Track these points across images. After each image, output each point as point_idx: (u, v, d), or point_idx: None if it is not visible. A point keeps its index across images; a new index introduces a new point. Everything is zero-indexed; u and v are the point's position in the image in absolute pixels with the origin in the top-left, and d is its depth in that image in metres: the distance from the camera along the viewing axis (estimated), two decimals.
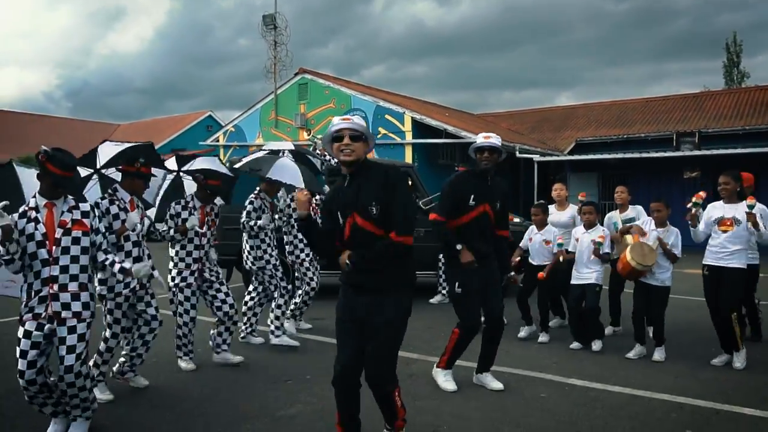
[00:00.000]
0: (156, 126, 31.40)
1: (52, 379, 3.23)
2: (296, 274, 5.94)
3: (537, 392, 4.15)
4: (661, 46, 73.22)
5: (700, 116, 19.09)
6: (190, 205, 4.61)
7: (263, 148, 6.09)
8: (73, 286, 3.17)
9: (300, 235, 5.69)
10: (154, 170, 4.22)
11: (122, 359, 4.13)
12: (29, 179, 3.50)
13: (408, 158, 16.31)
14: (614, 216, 5.89)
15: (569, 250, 5.55)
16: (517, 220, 8.18)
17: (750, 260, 4.88)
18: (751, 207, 4.46)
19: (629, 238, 5.04)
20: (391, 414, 2.98)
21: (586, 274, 5.28)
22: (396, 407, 2.96)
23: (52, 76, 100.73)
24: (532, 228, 5.88)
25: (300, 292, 5.86)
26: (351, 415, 2.94)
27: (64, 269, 3.15)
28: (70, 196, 3.28)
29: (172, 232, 4.52)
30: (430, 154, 16.77)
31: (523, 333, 5.70)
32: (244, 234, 5.26)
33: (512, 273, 4.52)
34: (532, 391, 4.17)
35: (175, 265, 4.62)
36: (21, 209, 3.15)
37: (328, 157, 6.31)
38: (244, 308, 5.48)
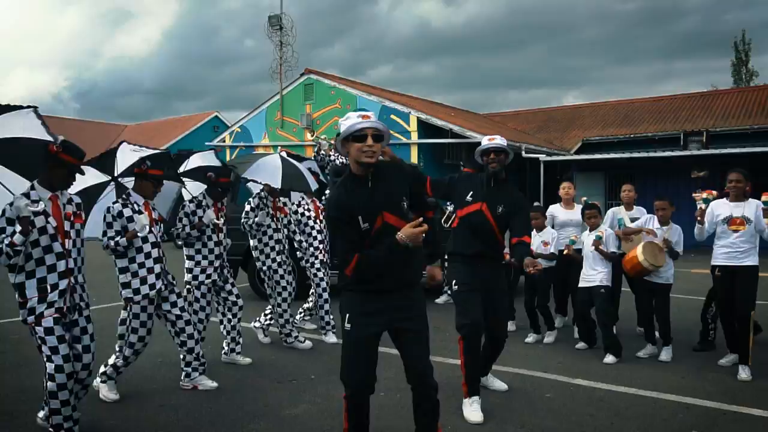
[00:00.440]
0: (163, 127, 31.55)
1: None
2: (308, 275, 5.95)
3: (542, 392, 4.13)
4: (668, 44, 72.94)
5: (708, 115, 18.97)
6: (204, 203, 4.68)
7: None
8: (80, 278, 3.26)
9: (311, 239, 5.68)
10: (170, 183, 4.26)
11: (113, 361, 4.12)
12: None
13: (413, 158, 16.30)
14: (619, 212, 5.82)
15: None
16: None
17: None
18: (767, 203, 4.40)
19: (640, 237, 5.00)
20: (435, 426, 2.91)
21: (592, 275, 5.25)
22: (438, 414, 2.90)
23: (60, 77, 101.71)
24: None
25: (312, 293, 5.92)
26: None
27: (75, 261, 3.21)
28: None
29: (188, 229, 4.55)
30: (435, 154, 16.77)
31: (530, 339, 5.64)
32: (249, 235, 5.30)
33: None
34: (537, 392, 4.16)
35: (198, 263, 4.65)
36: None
37: (333, 157, 6.31)
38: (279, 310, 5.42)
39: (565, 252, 5.50)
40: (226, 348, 4.91)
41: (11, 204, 2.95)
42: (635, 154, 15.75)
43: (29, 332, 3.19)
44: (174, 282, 4.08)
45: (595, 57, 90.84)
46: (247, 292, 7.81)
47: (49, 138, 2.82)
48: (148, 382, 4.42)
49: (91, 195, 4.11)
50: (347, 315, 2.73)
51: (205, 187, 4.75)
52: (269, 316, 5.67)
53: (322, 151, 6.31)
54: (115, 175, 4.13)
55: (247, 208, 5.22)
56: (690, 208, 5.02)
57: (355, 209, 2.65)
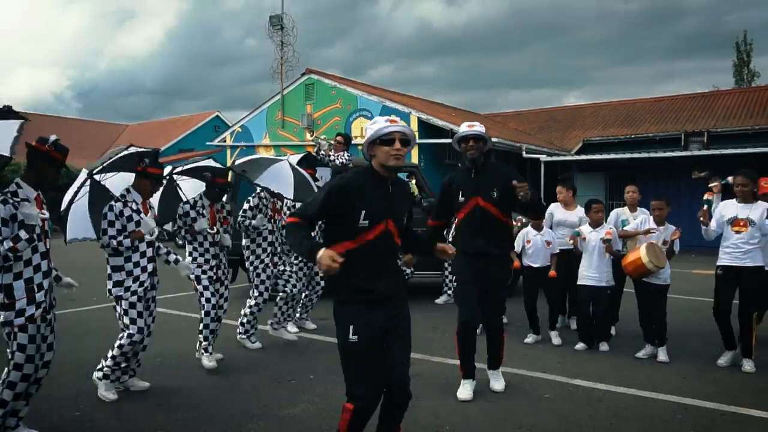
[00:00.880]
0: (164, 126, 31.60)
1: None
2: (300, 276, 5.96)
3: (541, 393, 4.13)
4: (670, 45, 72.78)
5: (709, 116, 18.95)
6: (199, 204, 4.62)
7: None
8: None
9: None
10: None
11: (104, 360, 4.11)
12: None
13: (414, 158, 16.30)
14: (623, 213, 5.81)
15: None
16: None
17: None
18: None
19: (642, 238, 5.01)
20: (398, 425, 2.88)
21: (595, 275, 5.23)
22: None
23: (62, 77, 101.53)
24: (529, 231, 5.74)
25: (306, 293, 5.93)
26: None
27: (50, 261, 3.22)
28: None
29: (183, 232, 4.55)
30: (436, 155, 16.76)
31: (529, 339, 5.62)
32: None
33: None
34: (536, 392, 4.15)
35: (194, 259, 4.64)
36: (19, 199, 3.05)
37: (333, 158, 6.31)
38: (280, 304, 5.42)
39: (569, 241, 5.45)
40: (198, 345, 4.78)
41: (17, 208, 2.97)
42: (636, 155, 15.74)
43: (5, 335, 3.08)
44: (157, 285, 4.04)
45: (596, 57, 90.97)
46: (244, 292, 7.79)
47: (6, 154, 2.67)
48: (146, 381, 4.41)
49: (68, 199, 3.96)
50: (351, 327, 2.64)
51: (203, 188, 4.72)
52: (278, 314, 5.59)
53: (322, 151, 6.30)
54: (93, 172, 3.99)
55: (246, 206, 5.18)
56: (691, 209, 5.03)
57: (365, 203, 2.60)
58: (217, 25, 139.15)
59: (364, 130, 2.77)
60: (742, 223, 4.58)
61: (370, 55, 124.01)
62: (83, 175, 3.99)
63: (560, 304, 6.07)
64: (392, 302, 2.74)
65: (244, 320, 5.28)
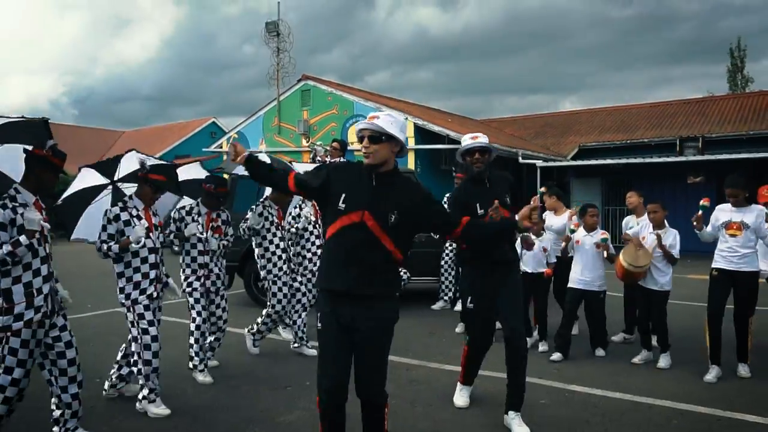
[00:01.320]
0: (160, 132, 31.55)
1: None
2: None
3: (537, 398, 4.13)
4: (665, 51, 73.06)
5: (704, 121, 19.07)
6: (194, 211, 4.59)
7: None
8: (53, 281, 3.22)
9: (309, 245, 5.65)
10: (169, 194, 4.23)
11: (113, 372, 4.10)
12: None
13: (410, 164, 16.33)
14: (631, 220, 5.82)
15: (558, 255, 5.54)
16: None
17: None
18: None
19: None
20: None
21: (588, 279, 5.24)
22: (384, 424, 2.78)
23: (58, 83, 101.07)
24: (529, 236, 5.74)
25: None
26: None
27: (51, 265, 3.19)
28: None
29: (172, 236, 4.52)
30: (432, 160, 16.79)
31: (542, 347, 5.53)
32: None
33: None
34: (532, 398, 4.13)
35: (183, 270, 4.61)
36: (15, 203, 3.04)
37: (328, 163, 6.33)
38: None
39: (562, 243, 5.42)
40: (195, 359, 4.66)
41: (21, 214, 2.95)
42: (631, 160, 15.80)
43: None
44: (162, 294, 3.96)
45: (591, 63, 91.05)
46: (243, 298, 7.80)
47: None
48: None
49: (85, 196, 4.08)
50: (319, 314, 2.71)
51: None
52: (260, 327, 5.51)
53: (318, 157, 6.32)
54: (115, 179, 4.09)
55: (249, 214, 5.10)
56: (686, 214, 5.05)
57: (345, 187, 2.68)
58: (213, 31, 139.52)
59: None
60: (735, 227, 4.60)
61: (367, 61, 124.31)
62: (86, 173, 4.02)
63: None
64: (362, 302, 2.60)
65: (254, 329, 5.27)
